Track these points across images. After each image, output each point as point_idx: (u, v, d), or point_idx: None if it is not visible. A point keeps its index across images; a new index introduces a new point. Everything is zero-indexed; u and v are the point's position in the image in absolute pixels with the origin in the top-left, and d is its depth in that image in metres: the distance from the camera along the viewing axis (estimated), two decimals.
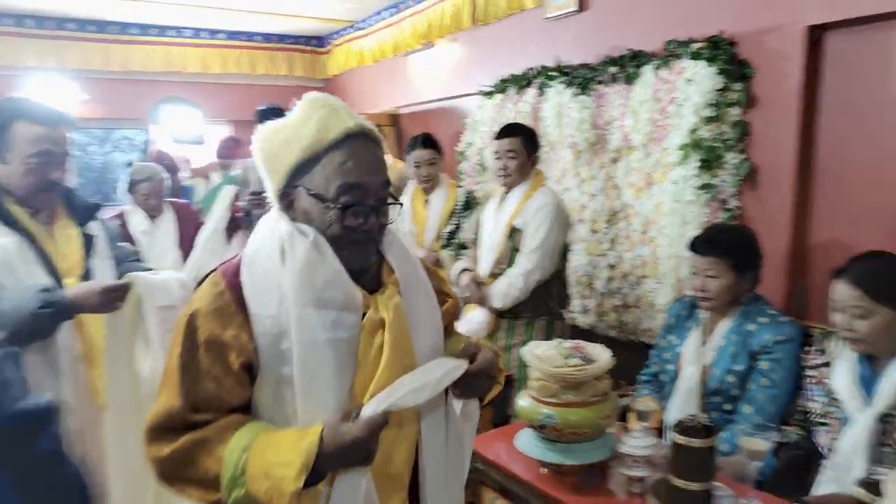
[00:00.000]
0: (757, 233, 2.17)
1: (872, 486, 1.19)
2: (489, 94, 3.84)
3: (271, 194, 1.11)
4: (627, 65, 2.94)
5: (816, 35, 2.33)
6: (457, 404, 1.17)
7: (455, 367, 1.08)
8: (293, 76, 6.09)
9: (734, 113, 2.52)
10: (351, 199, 1.06)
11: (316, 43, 6.14)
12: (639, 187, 2.93)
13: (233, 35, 5.77)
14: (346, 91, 5.84)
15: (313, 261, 1.04)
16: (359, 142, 1.08)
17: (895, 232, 2.15)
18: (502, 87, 3.74)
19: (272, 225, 1.11)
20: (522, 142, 2.63)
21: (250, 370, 1.05)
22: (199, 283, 1.12)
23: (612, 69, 3.02)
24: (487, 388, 1.17)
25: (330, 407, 1.03)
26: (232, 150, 4.97)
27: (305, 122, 1.07)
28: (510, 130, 2.66)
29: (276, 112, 3.63)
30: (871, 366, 1.63)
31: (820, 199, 2.40)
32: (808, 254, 2.43)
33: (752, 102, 2.49)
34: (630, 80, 2.92)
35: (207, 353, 1.03)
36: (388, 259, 1.16)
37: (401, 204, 1.14)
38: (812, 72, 2.34)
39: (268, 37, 5.94)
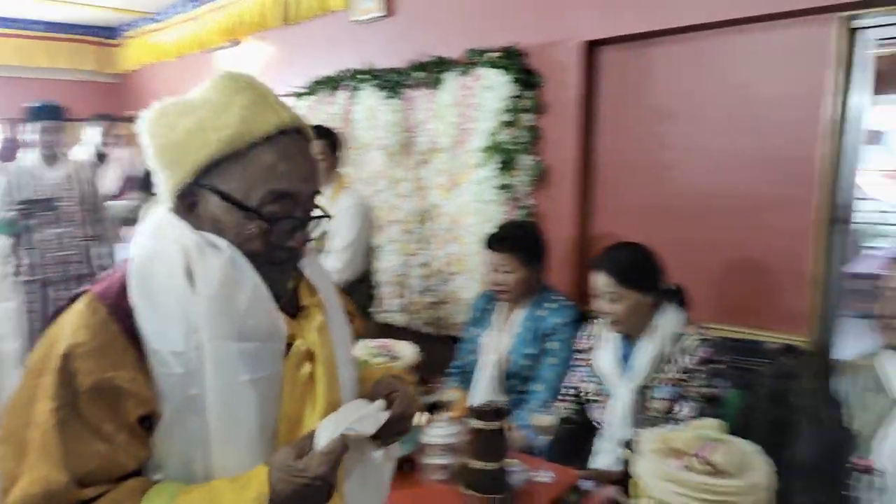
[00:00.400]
0: (548, 228, 2.37)
1: (633, 445, 1.36)
2: (301, 95, 3.77)
3: (165, 192, 0.89)
4: (432, 70, 3.05)
5: (592, 49, 2.60)
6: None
7: (382, 407, 0.94)
8: (80, 70, 5.49)
9: (527, 118, 2.74)
10: (279, 211, 0.87)
11: (106, 34, 5.58)
12: (446, 188, 3.06)
13: (4, 22, 5.05)
14: (145, 88, 5.39)
15: (232, 281, 0.84)
16: (292, 140, 0.89)
17: (659, 223, 2.48)
18: (314, 88, 3.69)
19: (168, 233, 0.87)
20: (326, 144, 2.62)
21: (147, 423, 0.83)
22: (57, 312, 0.86)
23: (419, 74, 3.12)
24: (408, 429, 1.01)
25: (253, 463, 0.84)
26: (14, 151, 4.36)
27: (225, 108, 0.86)
28: (314, 133, 2.63)
29: (52, 110, 3.25)
30: (629, 344, 1.85)
31: (600, 196, 2.69)
32: (591, 244, 2.70)
33: (542, 109, 2.71)
34: (435, 84, 3.03)
35: (94, 403, 0.79)
36: (309, 278, 0.99)
37: (329, 217, 0.96)
38: (589, 82, 2.62)
39: (49, 25, 5.28)
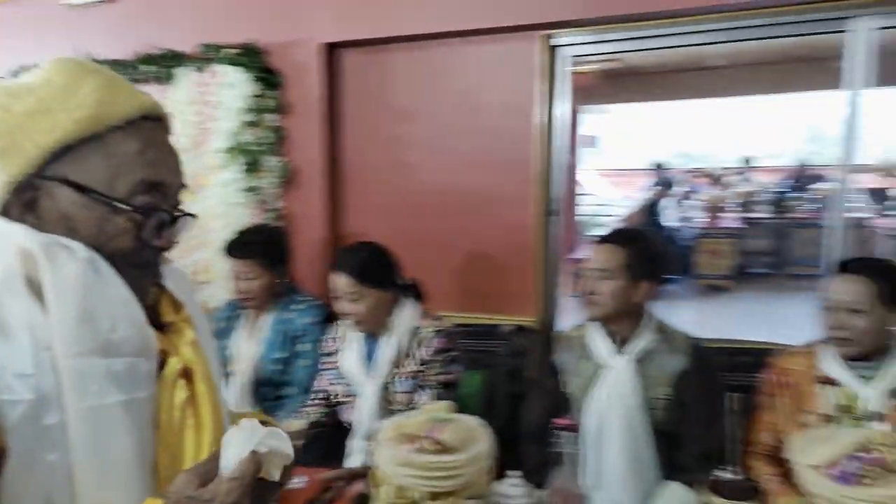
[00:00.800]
0: (298, 229, 2.34)
1: (374, 437, 1.40)
2: None
3: None
4: (163, 64, 2.82)
5: (332, 51, 2.62)
6: None
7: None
8: None
9: (271, 118, 2.67)
10: (151, 203, 0.77)
11: None
12: (189, 191, 2.83)
13: None
14: None
15: (92, 288, 0.72)
16: (155, 127, 0.80)
17: (403, 220, 2.60)
18: None
19: None
20: None
21: None
22: None
23: (149, 68, 2.85)
24: (287, 482, 0.82)
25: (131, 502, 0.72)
26: None
27: (75, 88, 0.74)
28: None
29: None
30: (372, 343, 1.90)
31: (348, 197, 2.73)
32: (341, 244, 2.73)
33: (286, 109, 2.67)
34: (168, 80, 2.81)
35: None
36: (171, 289, 0.88)
37: (194, 216, 0.85)
38: (331, 84, 2.64)
39: None
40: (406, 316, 1.84)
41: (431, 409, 1.34)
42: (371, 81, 2.63)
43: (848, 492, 1.08)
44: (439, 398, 1.74)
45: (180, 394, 0.81)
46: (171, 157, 0.83)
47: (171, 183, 0.82)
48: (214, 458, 0.70)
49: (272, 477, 0.70)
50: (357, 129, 2.68)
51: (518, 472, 1.40)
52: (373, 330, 1.86)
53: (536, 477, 1.42)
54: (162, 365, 0.81)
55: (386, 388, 1.82)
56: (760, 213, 6.81)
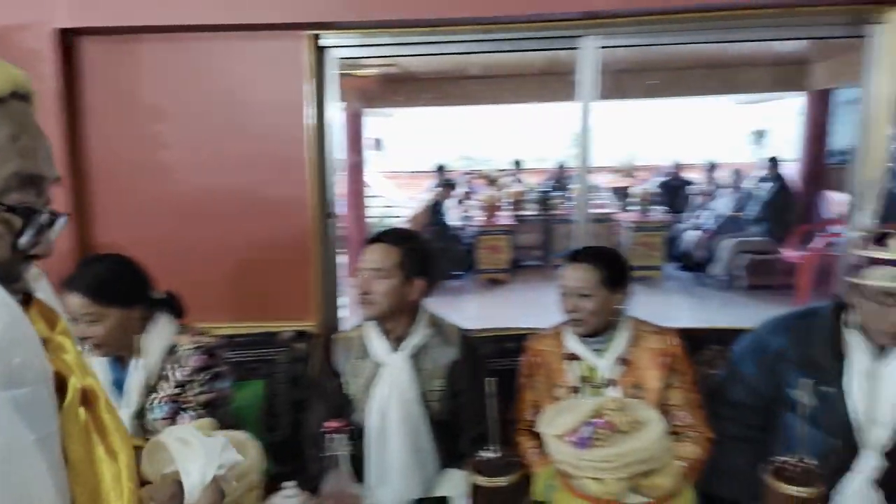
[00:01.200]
0: None
1: None
2: None
3: None
4: None
5: (68, 39, 2.31)
6: None
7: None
8: None
9: None
10: (27, 201, 0.68)
11: None
12: None
13: None
14: None
15: None
16: (26, 108, 0.70)
17: (168, 226, 2.39)
18: None
19: None
20: None
21: None
22: None
23: None
24: None
25: None
26: None
27: None
28: None
29: None
30: (120, 368, 1.71)
31: (97, 202, 2.43)
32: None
33: None
34: None
35: None
36: (42, 299, 0.77)
37: (67, 215, 0.74)
38: (69, 75, 2.33)
39: None
40: (158, 334, 1.68)
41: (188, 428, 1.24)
42: (120, 74, 2.37)
43: (584, 455, 1.22)
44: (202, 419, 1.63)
45: (83, 420, 0.73)
46: (45, 145, 0.73)
47: (47, 176, 0.72)
48: (176, 492, 0.66)
49: (234, 492, 0.68)
50: (104, 126, 2.39)
51: (293, 482, 1.36)
52: (119, 353, 1.66)
53: (318, 482, 1.40)
54: (60, 389, 0.70)
55: (142, 416, 1.64)
56: (529, 211, 7.50)
